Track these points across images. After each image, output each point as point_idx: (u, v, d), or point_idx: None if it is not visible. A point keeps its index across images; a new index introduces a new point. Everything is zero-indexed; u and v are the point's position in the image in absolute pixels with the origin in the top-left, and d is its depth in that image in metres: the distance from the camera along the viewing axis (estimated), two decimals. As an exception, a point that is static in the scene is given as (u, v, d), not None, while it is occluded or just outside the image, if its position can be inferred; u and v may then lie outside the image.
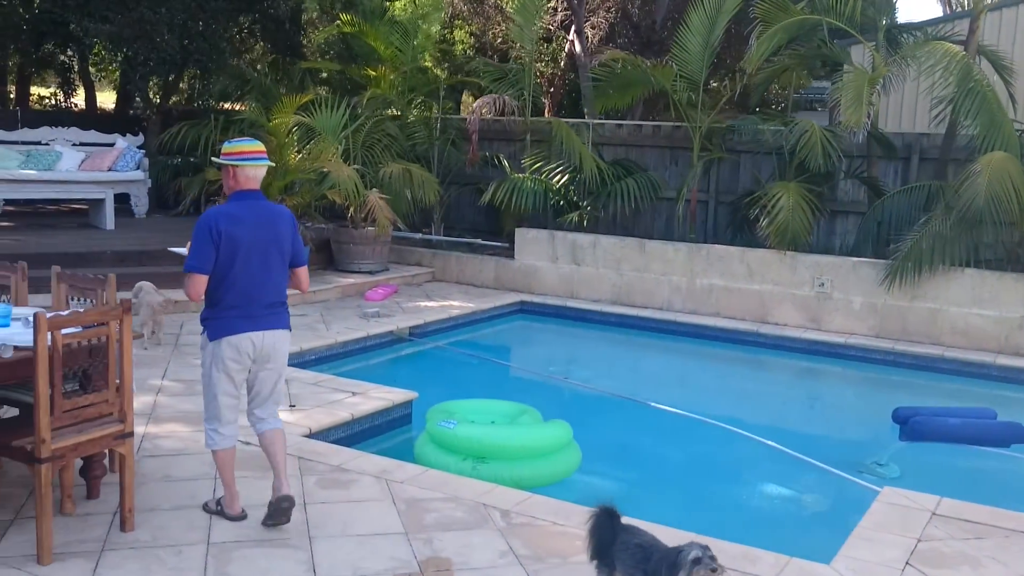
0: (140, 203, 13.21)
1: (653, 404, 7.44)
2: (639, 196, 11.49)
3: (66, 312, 3.98)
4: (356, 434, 6.29)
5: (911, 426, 6.84)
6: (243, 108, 15.31)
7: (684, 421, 7.22)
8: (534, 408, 6.41)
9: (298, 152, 10.81)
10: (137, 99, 17.71)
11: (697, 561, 3.31)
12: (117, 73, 17.84)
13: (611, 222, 12.01)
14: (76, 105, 19.70)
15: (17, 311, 4.69)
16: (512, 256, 11.66)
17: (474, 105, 12.18)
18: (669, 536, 3.83)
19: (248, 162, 4.39)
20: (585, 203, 11.81)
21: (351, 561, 4.10)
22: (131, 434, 4.30)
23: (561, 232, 11.30)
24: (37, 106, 20.84)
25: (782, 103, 18.97)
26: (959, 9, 20.62)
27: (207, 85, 14.60)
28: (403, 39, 13.03)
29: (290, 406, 6.35)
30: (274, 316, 4.41)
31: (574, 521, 4.47)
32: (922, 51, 9.92)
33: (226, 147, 4.47)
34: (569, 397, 8.08)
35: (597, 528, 3.73)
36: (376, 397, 6.69)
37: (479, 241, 12.29)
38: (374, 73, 12.94)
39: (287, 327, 4.49)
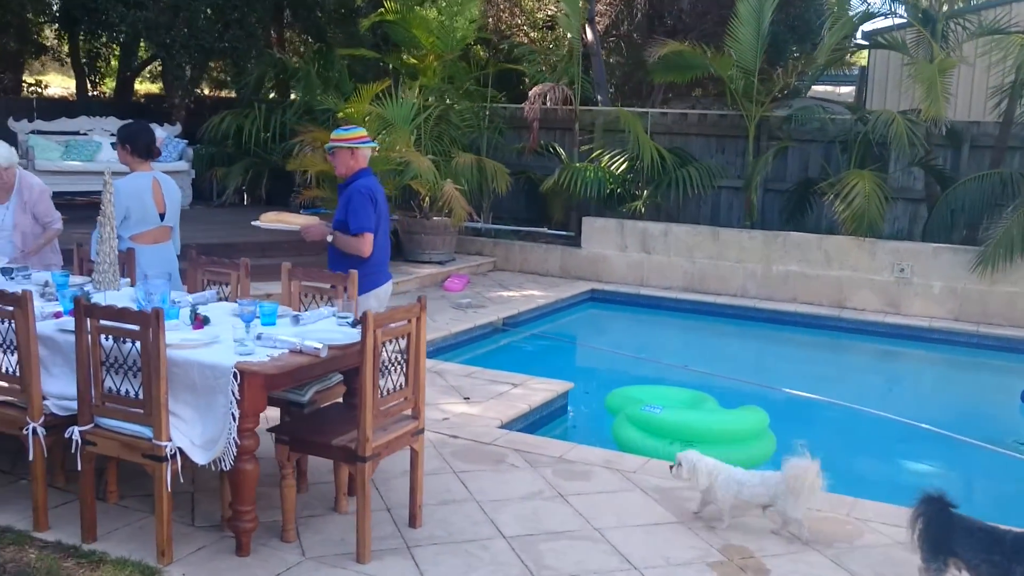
0: (185, 195, 12.93)
1: (788, 391, 7.60)
2: (700, 184, 11.65)
3: (384, 311, 3.96)
4: (532, 424, 6.34)
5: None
6: (276, 97, 15.12)
7: (820, 406, 7.39)
8: (710, 395, 6.54)
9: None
10: (159, 88, 17.39)
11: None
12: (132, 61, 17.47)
13: (654, 210, 12.13)
14: (104, 94, 19.13)
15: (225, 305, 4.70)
16: (577, 245, 11.73)
17: (531, 93, 12.18)
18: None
19: (366, 144, 5.33)
20: (644, 191, 11.92)
21: (656, 550, 4.17)
22: (423, 430, 4.31)
23: (630, 221, 11.41)
24: (30, 94, 20.25)
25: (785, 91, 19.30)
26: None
27: (241, 73, 14.34)
28: (444, 27, 12.92)
29: (464, 398, 6.38)
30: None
31: (835, 507, 4.63)
32: (983, 40, 10.22)
33: (343, 133, 5.33)
34: (692, 386, 8.19)
35: (932, 522, 3.67)
36: (538, 388, 6.74)
37: (544, 230, 12.33)
38: (414, 61, 12.86)
39: None
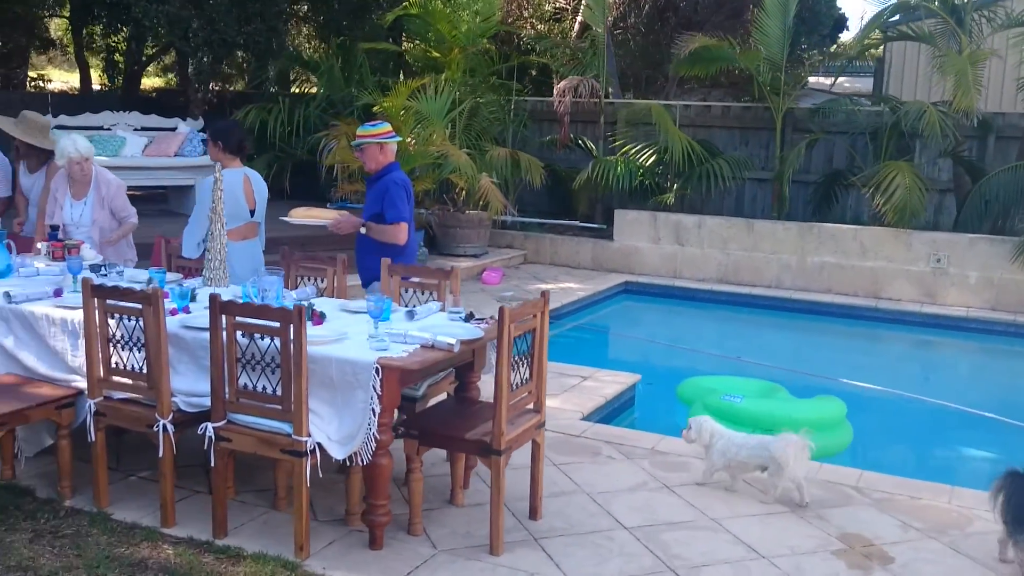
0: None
1: (844, 380, 7.68)
2: (730, 177, 11.72)
3: (516, 306, 4.00)
4: (607, 415, 6.39)
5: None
6: (298, 90, 15.07)
7: (879, 396, 7.48)
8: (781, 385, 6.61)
9: (410, 137, 10.72)
10: (165, 81, 17.28)
11: None
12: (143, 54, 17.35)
13: (678, 202, 12.17)
14: (106, 87, 18.99)
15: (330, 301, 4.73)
16: (609, 237, 11.79)
17: (559, 87, 12.20)
18: None
19: (394, 139, 5.52)
20: (674, 184, 11.99)
21: (777, 540, 4.23)
22: (544, 424, 4.35)
23: (663, 213, 11.48)
24: (32, 89, 20.12)
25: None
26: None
27: (263, 67, 14.29)
28: (466, 20, 12.90)
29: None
30: None
31: (936, 495, 4.72)
32: (1012, 31, 10.33)
33: (371, 129, 5.44)
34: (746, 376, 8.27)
35: (1015, 495, 3.84)
36: (607, 380, 6.80)
37: (575, 223, 12.38)
38: (437, 55, 12.86)
39: None
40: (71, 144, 5.77)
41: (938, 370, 9.11)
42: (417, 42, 13.96)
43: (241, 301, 3.95)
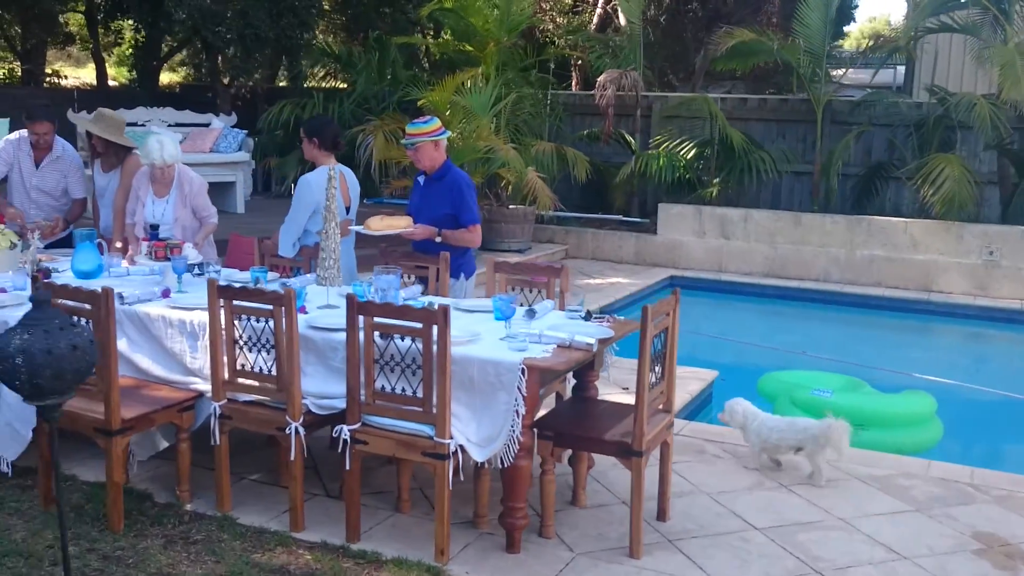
0: (247, 186, 12.81)
1: (918, 375, 7.63)
2: (773, 170, 11.66)
3: (662, 308, 3.93)
4: (691, 413, 6.33)
5: None
6: (331, 85, 14.98)
7: (951, 390, 7.43)
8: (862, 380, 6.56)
9: (456, 132, 10.64)
10: (182, 76, 17.14)
11: None
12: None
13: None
14: (120, 83, 18.87)
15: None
16: (651, 231, 11.72)
17: (600, 80, 12.11)
18: None
19: (446, 134, 5.35)
20: (716, 178, 11.92)
21: (913, 539, 4.17)
22: (673, 424, 4.29)
23: (708, 207, 11.41)
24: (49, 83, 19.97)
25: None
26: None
27: (293, 62, 14.19)
28: (499, 13, 12.80)
29: (623, 388, 6.35)
30: None
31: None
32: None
33: (424, 127, 5.25)
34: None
35: None
36: (687, 376, 6.71)
37: (618, 217, 12.31)
38: (470, 48, 12.76)
39: None
40: (158, 149, 5.66)
41: (997, 362, 9.07)
42: (447, 37, 13.84)
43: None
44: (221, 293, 4.03)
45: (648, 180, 11.70)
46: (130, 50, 18.02)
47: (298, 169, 13.48)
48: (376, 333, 3.79)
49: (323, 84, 15.15)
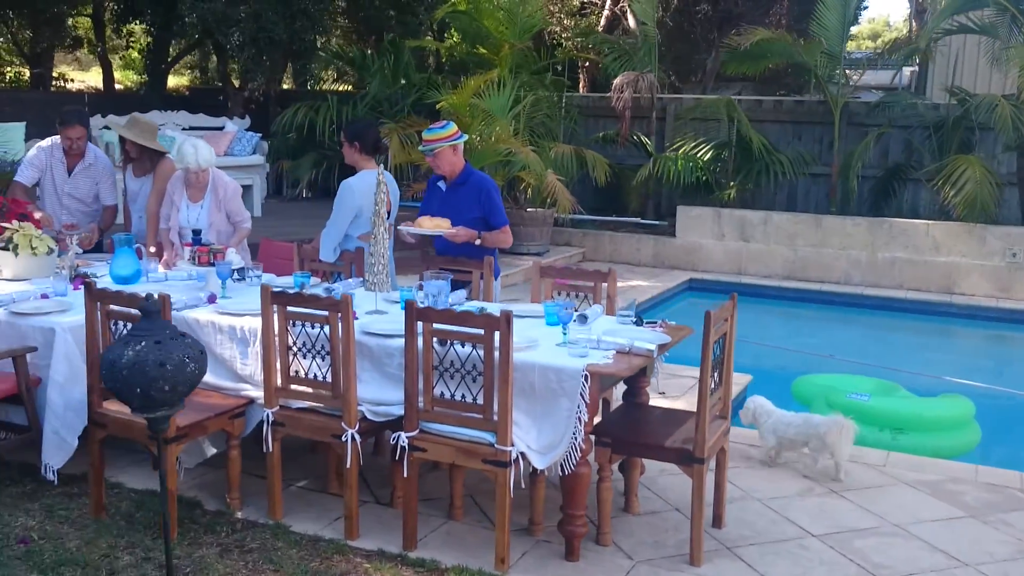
0: (260, 189, 12.76)
1: (948, 379, 7.60)
2: (792, 171, 11.63)
3: (722, 313, 3.90)
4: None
5: None
6: (343, 88, 14.94)
7: (992, 394, 7.40)
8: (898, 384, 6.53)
9: (476, 135, 10.60)
10: (189, 80, 17.08)
11: None
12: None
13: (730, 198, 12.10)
14: (130, 87, 18.83)
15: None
16: (670, 234, 11.69)
17: (616, 82, 12.08)
18: None
19: (464, 138, 5.31)
20: (733, 180, 11.89)
21: (972, 546, 4.13)
22: (729, 430, 4.26)
23: (727, 209, 11.38)
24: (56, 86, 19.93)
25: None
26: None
27: (306, 66, 14.15)
28: (512, 16, 12.76)
29: (660, 393, 6.32)
30: None
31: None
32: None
33: (442, 132, 5.17)
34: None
35: None
36: (721, 381, 6.68)
37: (637, 220, 12.28)
38: (484, 51, 12.73)
39: None
40: (193, 154, 5.63)
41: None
42: (452, 39, 13.81)
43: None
44: (275, 299, 3.99)
45: (664, 183, 11.66)
46: (140, 53, 17.95)
47: (312, 172, 13.49)
48: (435, 339, 3.75)
49: (331, 87, 15.07)
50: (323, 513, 4.27)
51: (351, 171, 5.47)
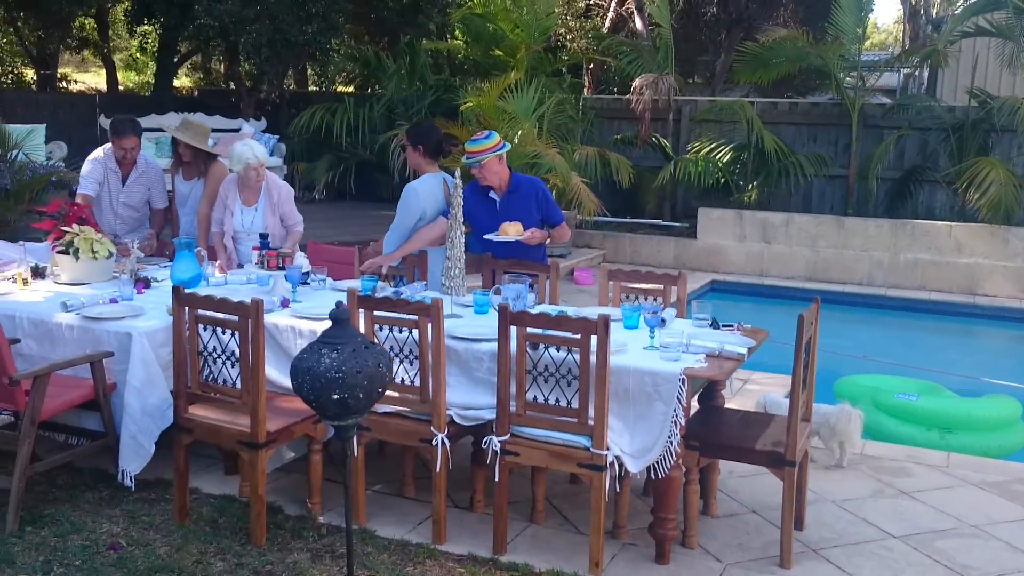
0: (279, 190, 12.69)
1: (985, 379, 7.64)
2: (811, 174, 11.68)
3: (810, 317, 3.92)
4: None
5: None
6: (357, 91, 14.91)
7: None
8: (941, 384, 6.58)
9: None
10: (193, 81, 17.00)
11: None
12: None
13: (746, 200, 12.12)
14: (143, 88, 18.74)
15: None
16: (691, 236, 11.72)
17: (635, 84, 12.10)
18: None
19: (507, 147, 5.28)
20: (752, 182, 11.94)
21: (1052, 546, 4.17)
22: (811, 432, 4.27)
23: (748, 211, 11.42)
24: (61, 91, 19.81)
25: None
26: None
27: (321, 67, 14.12)
28: (526, 18, 12.75)
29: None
30: None
31: None
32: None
33: (487, 143, 5.12)
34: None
35: None
36: (767, 382, 6.73)
37: (657, 222, 12.31)
38: (499, 53, 12.74)
39: None
40: (249, 150, 5.62)
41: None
42: (471, 41, 13.79)
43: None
44: (362, 303, 3.99)
45: (683, 184, 11.69)
46: (152, 55, 17.86)
47: (328, 175, 13.46)
48: (528, 343, 3.75)
49: (337, 89, 15.05)
50: (403, 517, 4.26)
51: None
